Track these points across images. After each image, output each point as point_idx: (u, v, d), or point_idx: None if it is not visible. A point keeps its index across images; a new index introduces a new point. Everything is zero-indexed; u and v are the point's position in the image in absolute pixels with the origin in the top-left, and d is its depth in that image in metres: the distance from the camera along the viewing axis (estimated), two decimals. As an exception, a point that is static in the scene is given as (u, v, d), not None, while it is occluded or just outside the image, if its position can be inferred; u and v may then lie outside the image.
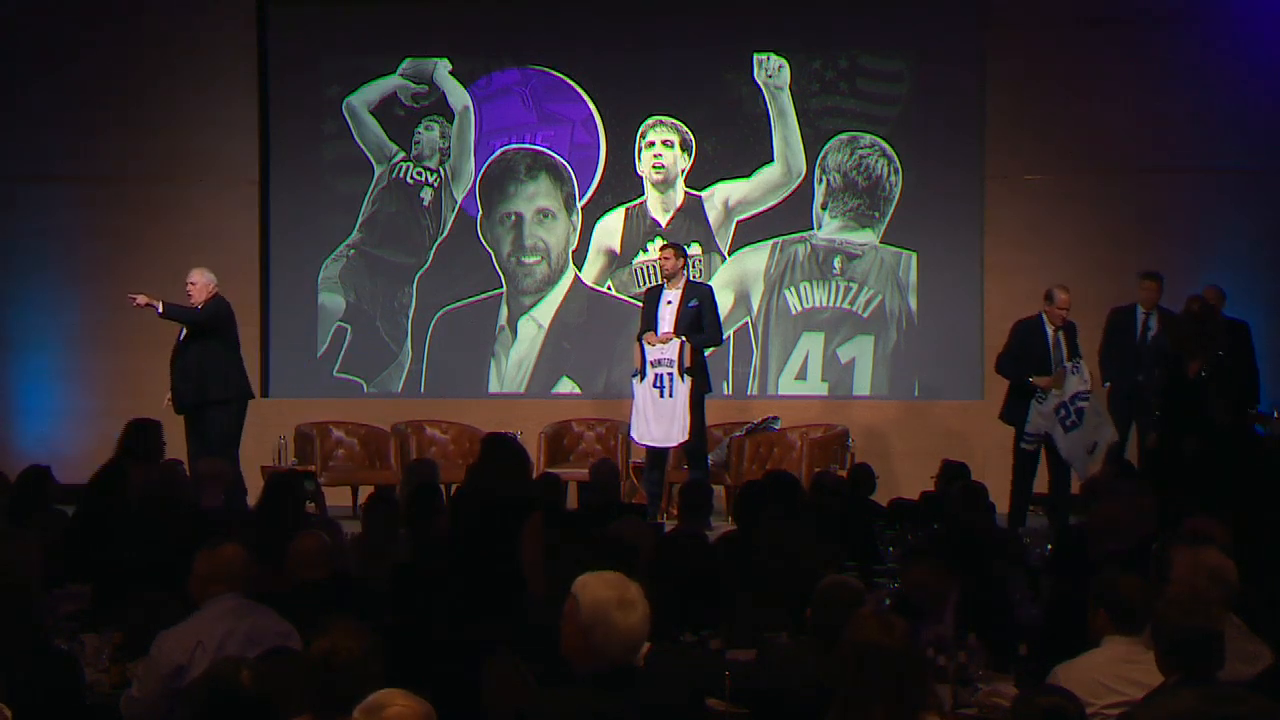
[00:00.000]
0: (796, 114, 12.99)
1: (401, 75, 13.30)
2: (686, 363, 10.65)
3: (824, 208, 13.01)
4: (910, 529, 7.71)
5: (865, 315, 12.95)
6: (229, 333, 10.85)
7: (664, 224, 13.11)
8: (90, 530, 7.31)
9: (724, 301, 12.31)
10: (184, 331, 10.78)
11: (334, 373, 13.28)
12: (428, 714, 3.59)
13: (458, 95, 13.26)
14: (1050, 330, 10.79)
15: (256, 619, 5.30)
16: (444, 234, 13.26)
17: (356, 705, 3.64)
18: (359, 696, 3.67)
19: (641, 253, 13.09)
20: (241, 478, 10.40)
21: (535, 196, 13.23)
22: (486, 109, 13.25)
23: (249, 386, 10.94)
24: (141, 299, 10.69)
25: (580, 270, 13.17)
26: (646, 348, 10.75)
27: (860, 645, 4.03)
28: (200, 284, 10.79)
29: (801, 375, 13.00)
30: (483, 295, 13.23)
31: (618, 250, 13.17)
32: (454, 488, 10.35)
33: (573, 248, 13.20)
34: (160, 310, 10.69)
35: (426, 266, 13.26)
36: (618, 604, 4.12)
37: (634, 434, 11.00)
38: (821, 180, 12.99)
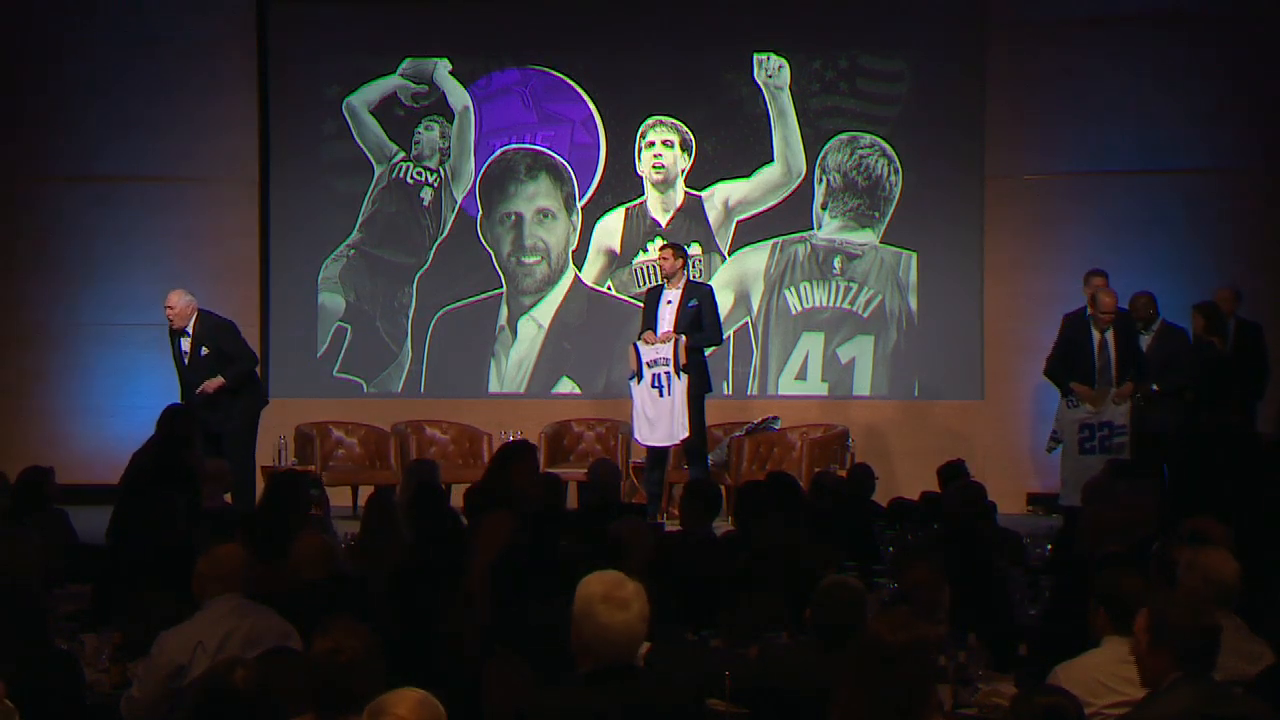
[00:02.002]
0: (796, 114, 12.99)
1: (401, 75, 13.30)
2: (682, 360, 10.65)
3: (824, 208, 13.00)
4: (910, 529, 7.71)
5: (865, 315, 12.95)
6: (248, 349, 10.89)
7: (664, 224, 13.11)
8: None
9: (724, 301, 12.30)
10: (188, 357, 10.57)
11: (334, 373, 13.28)
12: (434, 714, 3.59)
13: (458, 95, 13.26)
14: (1097, 333, 10.71)
15: (256, 619, 5.30)
16: (444, 234, 13.25)
17: (359, 704, 3.65)
18: (363, 696, 3.68)
19: (641, 253, 13.09)
20: (254, 479, 10.40)
21: (535, 196, 13.23)
22: (486, 109, 13.25)
23: (263, 391, 10.90)
24: (210, 386, 10.39)
25: (580, 270, 13.17)
26: (642, 349, 10.76)
27: (881, 642, 4.04)
28: (179, 307, 10.50)
29: (801, 375, 13.00)
30: (483, 295, 13.23)
31: (618, 250, 13.17)
32: (453, 488, 10.37)
33: (573, 248, 13.20)
34: (227, 384, 10.43)
35: (426, 266, 13.26)
36: (603, 599, 4.13)
37: (637, 436, 11.00)
38: (821, 180, 12.99)
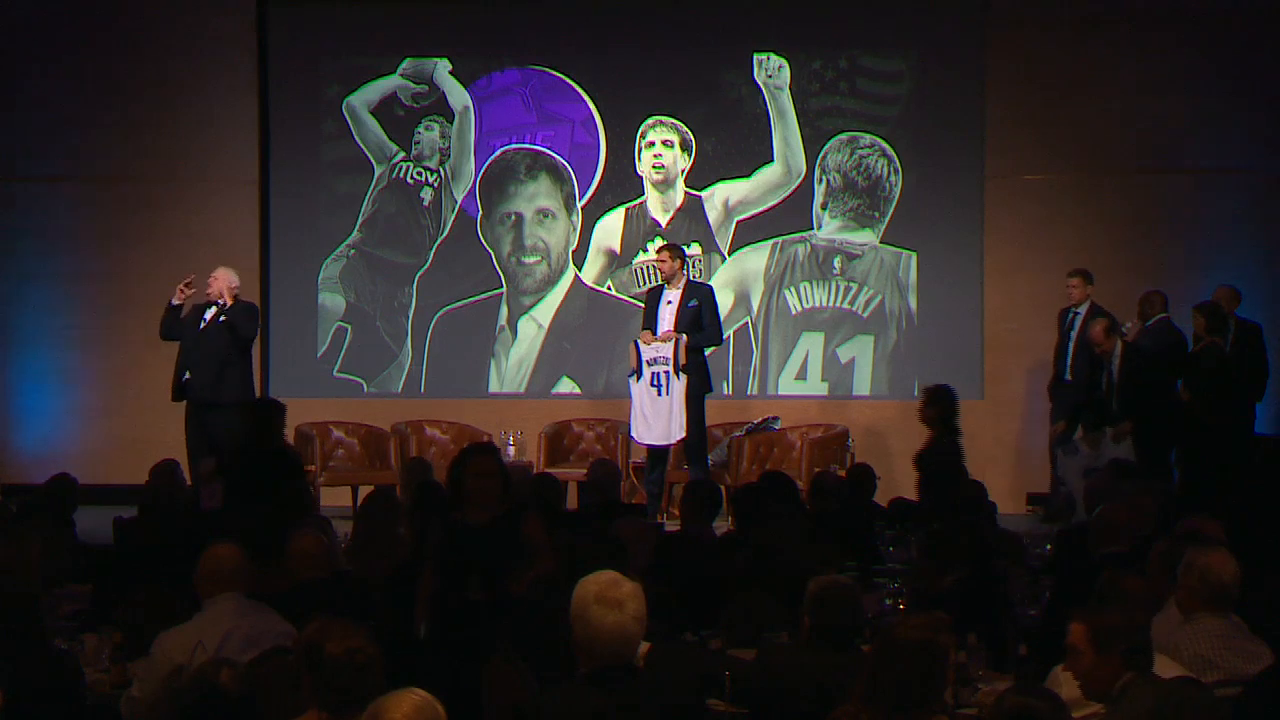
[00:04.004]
0: (796, 114, 12.99)
1: (401, 75, 13.29)
2: (681, 360, 10.66)
3: (824, 208, 13.00)
4: (910, 529, 7.71)
5: (865, 315, 12.95)
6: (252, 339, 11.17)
7: (664, 224, 13.11)
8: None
9: (724, 301, 12.31)
10: (203, 324, 10.75)
11: (334, 373, 13.28)
12: (433, 717, 3.59)
13: (458, 95, 13.26)
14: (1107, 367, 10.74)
15: (256, 619, 5.31)
16: (444, 234, 13.25)
17: (364, 705, 3.65)
18: (369, 696, 3.69)
19: (641, 253, 13.09)
20: None
21: (535, 196, 13.22)
22: (486, 109, 13.25)
23: (254, 391, 11.03)
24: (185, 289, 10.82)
25: (580, 270, 13.17)
26: (642, 347, 10.78)
27: (898, 639, 4.09)
28: (222, 279, 10.92)
29: (801, 375, 12.99)
30: (483, 295, 13.22)
31: (618, 250, 13.17)
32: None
33: (573, 248, 13.19)
34: (225, 317, 10.78)
35: (426, 266, 13.26)
36: (596, 599, 4.15)
37: (633, 434, 11.04)
38: (821, 180, 12.99)
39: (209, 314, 10.95)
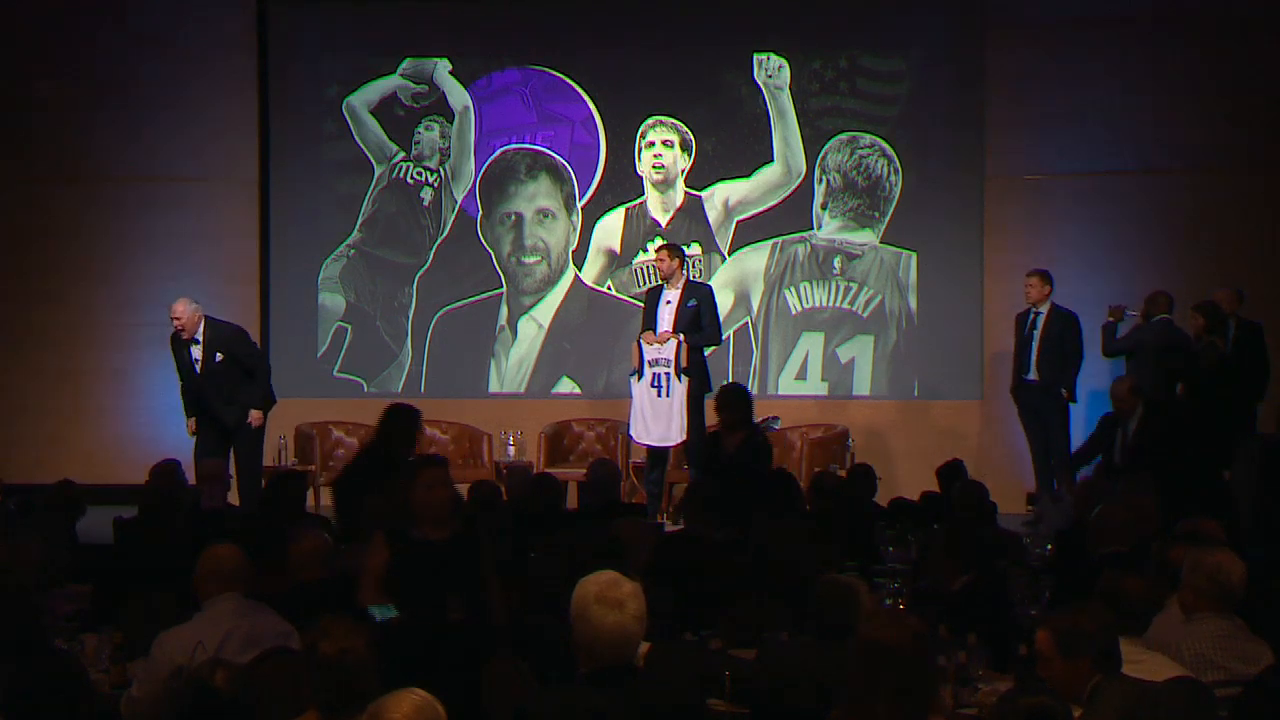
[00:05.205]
0: (796, 114, 12.99)
1: (401, 75, 13.30)
2: (683, 362, 10.68)
3: (824, 208, 13.00)
4: (910, 529, 7.71)
5: (865, 315, 12.95)
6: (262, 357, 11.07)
7: (664, 224, 13.11)
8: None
9: (724, 301, 12.31)
10: (200, 365, 10.58)
11: (334, 373, 13.28)
12: (434, 717, 3.59)
13: (458, 95, 13.26)
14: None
15: (256, 619, 5.31)
16: (444, 234, 13.25)
17: (364, 704, 3.66)
18: (367, 696, 3.70)
19: (641, 253, 13.09)
20: (260, 480, 10.44)
21: (535, 196, 13.23)
22: (486, 109, 13.25)
23: (271, 392, 10.97)
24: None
25: (580, 270, 13.17)
26: (645, 347, 10.79)
27: (874, 644, 4.06)
28: (186, 316, 10.46)
29: (801, 375, 12.99)
30: (483, 295, 13.23)
31: (618, 250, 13.17)
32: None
33: (573, 248, 13.20)
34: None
35: (426, 266, 13.26)
36: (596, 600, 4.15)
37: (632, 434, 11.05)
38: (821, 180, 12.99)
39: (195, 353, 10.57)
